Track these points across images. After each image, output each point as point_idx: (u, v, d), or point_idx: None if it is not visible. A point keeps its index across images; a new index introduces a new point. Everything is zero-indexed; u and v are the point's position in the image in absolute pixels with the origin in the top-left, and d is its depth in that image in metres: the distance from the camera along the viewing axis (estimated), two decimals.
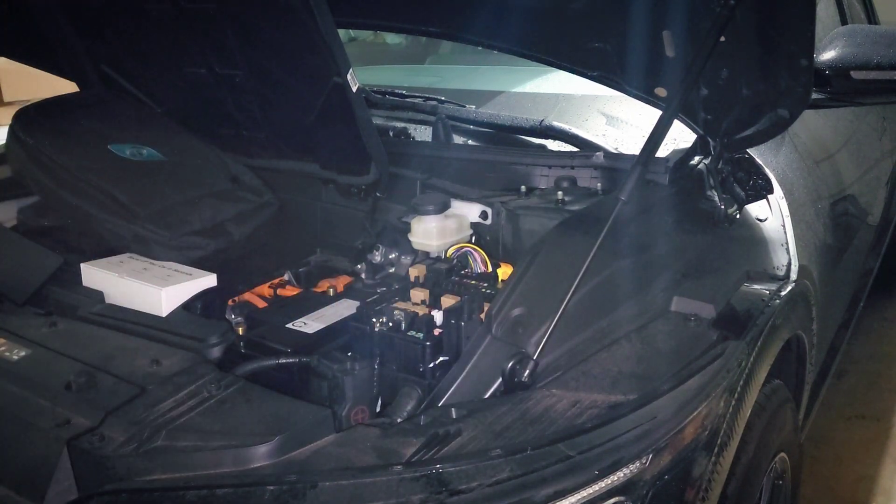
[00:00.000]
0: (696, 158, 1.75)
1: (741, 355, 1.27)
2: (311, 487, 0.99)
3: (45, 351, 1.34)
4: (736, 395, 1.22)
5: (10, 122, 1.89)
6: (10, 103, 5.66)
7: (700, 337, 1.30)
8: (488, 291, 1.48)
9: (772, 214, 1.79)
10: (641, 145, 1.43)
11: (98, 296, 1.57)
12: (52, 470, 1.05)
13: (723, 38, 1.43)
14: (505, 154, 1.93)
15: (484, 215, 1.77)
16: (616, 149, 1.95)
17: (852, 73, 1.74)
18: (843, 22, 2.84)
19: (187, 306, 1.53)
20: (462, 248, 1.70)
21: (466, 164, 1.92)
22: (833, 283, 2.13)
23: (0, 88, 5.79)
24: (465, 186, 1.82)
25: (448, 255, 1.70)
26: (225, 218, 1.81)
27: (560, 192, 1.71)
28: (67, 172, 1.77)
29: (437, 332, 1.34)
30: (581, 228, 1.41)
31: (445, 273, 1.59)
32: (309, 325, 1.47)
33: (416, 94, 2.35)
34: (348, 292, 1.64)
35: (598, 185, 1.79)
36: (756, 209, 1.79)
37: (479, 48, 2.39)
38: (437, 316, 1.38)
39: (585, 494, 1.00)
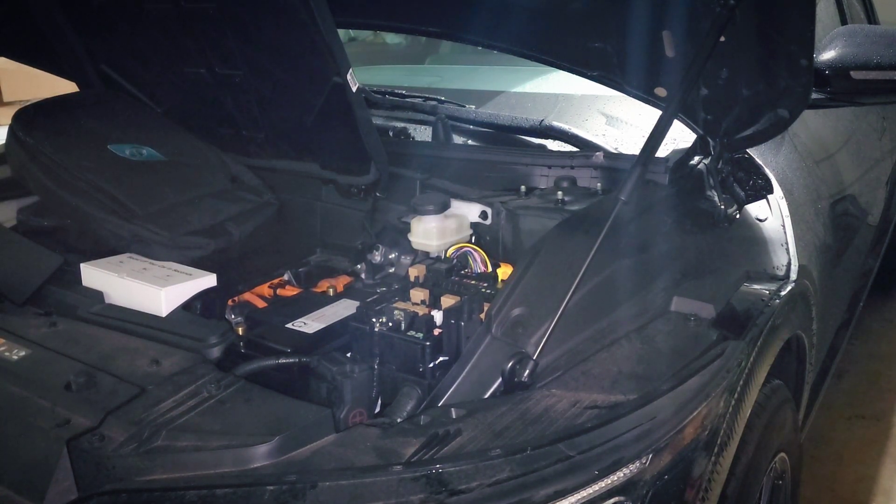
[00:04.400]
0: (696, 158, 1.75)
1: (741, 355, 1.27)
2: (311, 487, 0.99)
3: (45, 351, 1.34)
4: (736, 395, 1.22)
5: (10, 122, 1.89)
6: (10, 103, 5.67)
7: (700, 337, 1.30)
8: (488, 291, 1.48)
9: (772, 214, 1.79)
10: (641, 145, 1.43)
11: (98, 296, 1.57)
12: (52, 470, 1.05)
13: (723, 38, 1.43)
14: (505, 154, 1.93)
15: (484, 215, 1.77)
16: (616, 149, 1.95)
17: (852, 73, 1.74)
18: (843, 22, 2.84)
19: (187, 306, 1.53)
20: (462, 248, 1.70)
21: (466, 164, 1.92)
22: (833, 283, 2.13)
23: (0, 88, 5.80)
24: (465, 186, 1.82)
25: (448, 255, 1.70)
26: (225, 218, 1.81)
27: (560, 192, 1.71)
28: (67, 172, 1.77)
29: (437, 332, 1.34)
30: (581, 228, 1.41)
31: (445, 273, 1.59)
32: (309, 325, 1.46)
33: (416, 94, 2.35)
34: (348, 292, 1.64)
35: (598, 185, 1.79)
36: (756, 209, 1.79)
37: (479, 48, 2.39)
38: (437, 316, 1.38)
39: (585, 494, 1.00)
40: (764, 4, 1.43)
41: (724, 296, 1.43)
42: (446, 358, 1.32)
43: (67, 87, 2.26)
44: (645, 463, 1.05)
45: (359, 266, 1.72)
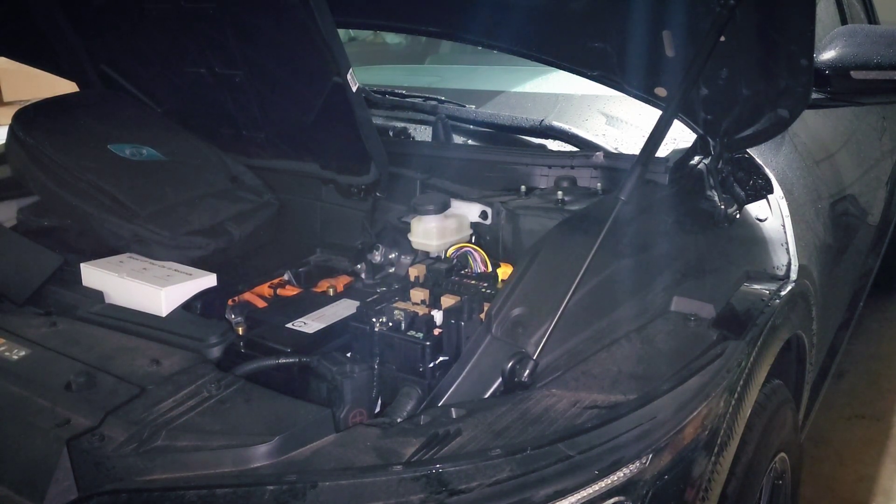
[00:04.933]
0: (696, 158, 1.75)
1: (741, 355, 1.27)
2: (311, 487, 0.99)
3: (45, 351, 1.34)
4: (736, 395, 1.22)
5: (10, 122, 1.89)
6: (10, 103, 5.67)
7: (700, 337, 1.30)
8: (488, 291, 1.48)
9: (772, 214, 1.79)
10: (641, 145, 1.43)
11: (98, 296, 1.57)
12: (52, 470, 1.05)
13: (723, 38, 1.43)
14: (505, 154, 1.93)
15: (484, 215, 1.77)
16: (616, 149, 1.95)
17: (852, 72, 1.74)
18: (843, 22, 2.84)
19: (187, 306, 1.53)
20: (462, 247, 1.70)
21: (466, 164, 1.92)
22: (833, 283, 2.13)
23: (0, 88, 5.80)
24: (465, 186, 1.82)
25: (448, 255, 1.70)
26: (225, 218, 1.81)
27: (560, 192, 1.71)
28: (67, 172, 1.78)
29: (437, 332, 1.34)
30: (581, 228, 1.41)
31: (445, 273, 1.59)
32: (309, 325, 1.46)
33: (416, 94, 2.35)
34: (348, 292, 1.64)
35: (598, 185, 1.79)
36: (756, 209, 1.79)
37: (479, 48, 2.39)
38: (437, 316, 1.38)
39: (585, 494, 1.00)
40: (764, 4, 1.43)
41: (724, 296, 1.43)
42: (446, 358, 1.32)
43: (67, 87, 2.26)
44: (645, 463, 1.05)
45: (359, 266, 1.72)
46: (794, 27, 1.41)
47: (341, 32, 1.69)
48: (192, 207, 1.79)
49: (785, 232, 1.77)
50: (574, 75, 1.88)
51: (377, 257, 1.74)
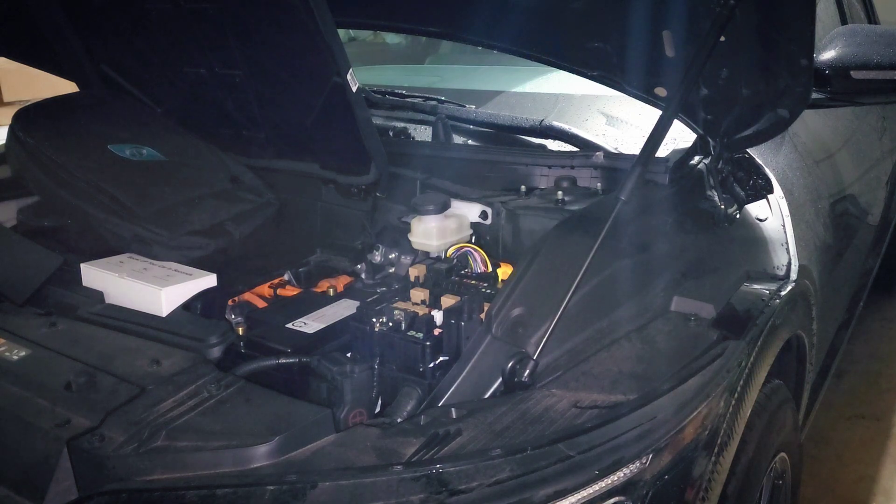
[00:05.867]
0: (696, 158, 1.75)
1: (741, 355, 1.27)
2: (311, 487, 0.99)
3: (45, 351, 1.34)
4: (736, 395, 1.22)
5: (10, 122, 1.89)
6: (10, 103, 5.67)
7: (700, 337, 1.30)
8: (488, 291, 1.48)
9: (772, 214, 1.79)
10: (641, 145, 1.43)
11: (98, 296, 1.57)
12: (52, 470, 1.05)
13: (723, 38, 1.43)
14: (505, 154, 1.93)
15: (484, 215, 1.77)
16: (616, 149, 1.95)
17: (852, 72, 1.74)
18: (843, 22, 2.84)
19: (187, 306, 1.53)
20: (462, 247, 1.70)
21: (466, 164, 1.92)
22: (833, 283, 2.13)
23: (0, 88, 5.80)
24: (465, 186, 1.82)
25: (448, 255, 1.70)
26: (225, 218, 1.81)
27: (560, 192, 1.71)
28: (67, 172, 1.78)
29: (437, 332, 1.34)
30: (581, 228, 1.41)
31: (445, 273, 1.59)
32: (309, 325, 1.46)
33: (416, 94, 2.35)
34: (348, 292, 1.64)
35: (598, 185, 1.79)
36: (756, 209, 1.79)
37: (479, 48, 2.39)
38: (437, 316, 1.38)
39: (585, 494, 1.00)
40: (764, 4, 1.43)
41: (725, 296, 1.43)
42: (446, 358, 1.32)
43: (67, 87, 2.26)
44: (645, 463, 1.05)
45: (359, 266, 1.72)
46: (794, 27, 1.42)
47: (341, 32, 1.69)
48: (192, 207, 1.79)
49: (785, 232, 1.77)
50: (574, 75, 1.88)
51: (377, 257, 1.74)
